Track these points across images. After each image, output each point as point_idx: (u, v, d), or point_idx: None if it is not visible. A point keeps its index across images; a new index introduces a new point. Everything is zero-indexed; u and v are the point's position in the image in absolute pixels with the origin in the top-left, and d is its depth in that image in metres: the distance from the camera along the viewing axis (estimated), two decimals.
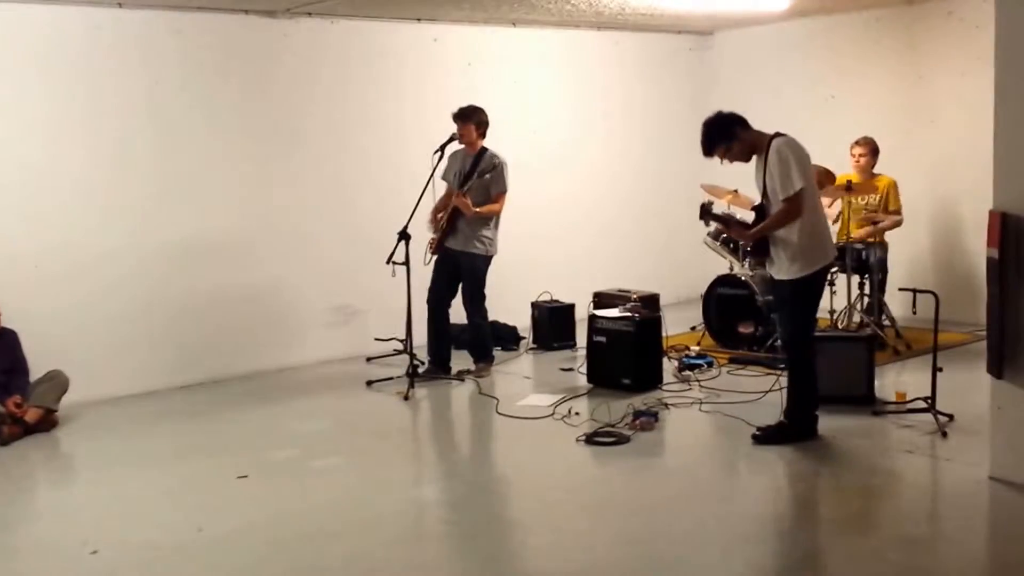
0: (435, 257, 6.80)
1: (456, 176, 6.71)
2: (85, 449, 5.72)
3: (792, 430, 5.19)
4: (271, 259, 7.31)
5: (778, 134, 5.13)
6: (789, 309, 5.30)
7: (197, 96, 6.93)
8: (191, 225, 6.96)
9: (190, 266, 6.96)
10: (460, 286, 6.82)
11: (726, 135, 5.16)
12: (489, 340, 7.09)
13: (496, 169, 6.57)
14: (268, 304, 7.32)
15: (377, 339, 7.42)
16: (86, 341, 6.53)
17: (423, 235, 6.77)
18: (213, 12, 6.87)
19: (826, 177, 6.98)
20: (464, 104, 6.70)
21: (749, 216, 5.45)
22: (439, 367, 6.85)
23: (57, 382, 6.02)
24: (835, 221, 7.08)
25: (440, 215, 6.75)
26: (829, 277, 7.03)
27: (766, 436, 5.19)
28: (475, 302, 6.80)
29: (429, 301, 6.83)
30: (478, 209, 6.54)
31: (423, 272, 6.75)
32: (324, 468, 5.14)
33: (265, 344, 7.30)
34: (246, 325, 7.22)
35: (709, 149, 5.22)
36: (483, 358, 6.99)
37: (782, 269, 5.15)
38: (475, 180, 6.56)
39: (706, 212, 5.76)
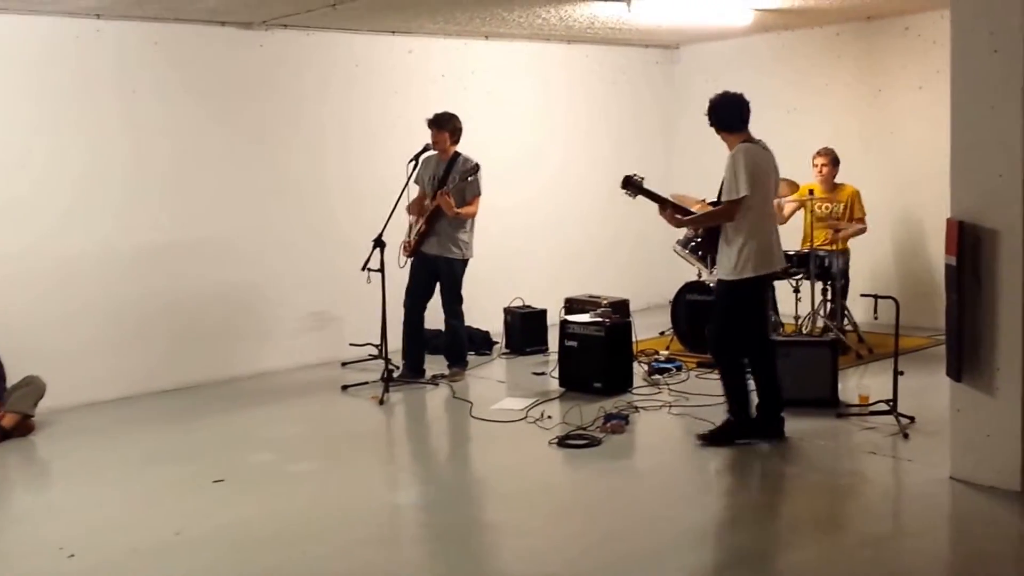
0: (411, 261, 6.79)
1: (431, 180, 6.70)
2: (62, 454, 5.64)
3: (737, 428, 5.24)
4: (247, 266, 7.26)
5: (750, 140, 5.18)
6: (720, 309, 5.37)
7: (174, 105, 6.89)
8: (167, 232, 6.90)
9: (166, 273, 6.90)
10: (437, 290, 6.80)
11: (718, 119, 5.24)
12: (465, 344, 7.09)
13: (475, 177, 6.58)
14: (244, 310, 7.27)
15: (352, 344, 7.39)
16: (63, 346, 6.45)
17: (398, 242, 6.75)
18: (190, 23, 6.84)
19: (788, 188, 7.07)
20: (439, 112, 6.70)
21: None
22: (413, 372, 6.83)
23: (34, 387, 5.95)
24: (783, 222, 7.22)
25: (418, 220, 6.72)
26: (794, 284, 7.15)
27: (711, 437, 5.25)
28: (453, 306, 6.80)
29: (405, 304, 6.81)
30: (458, 210, 6.53)
31: (398, 279, 6.74)
32: (300, 472, 5.11)
33: (241, 349, 7.25)
34: (222, 331, 7.16)
35: (709, 118, 5.29)
36: (458, 362, 6.98)
37: (721, 269, 5.25)
38: (456, 183, 6.55)
39: (630, 183, 5.52)
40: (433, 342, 7.11)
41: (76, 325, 6.55)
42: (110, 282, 6.68)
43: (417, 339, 6.86)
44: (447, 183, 6.59)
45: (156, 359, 6.87)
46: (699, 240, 5.38)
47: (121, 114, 6.68)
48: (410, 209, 6.75)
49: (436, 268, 6.74)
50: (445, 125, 6.62)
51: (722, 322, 5.31)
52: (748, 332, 5.31)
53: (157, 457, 5.43)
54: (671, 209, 5.41)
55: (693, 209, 6.44)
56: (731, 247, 5.15)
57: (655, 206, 5.44)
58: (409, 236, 6.78)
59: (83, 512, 4.65)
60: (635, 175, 5.53)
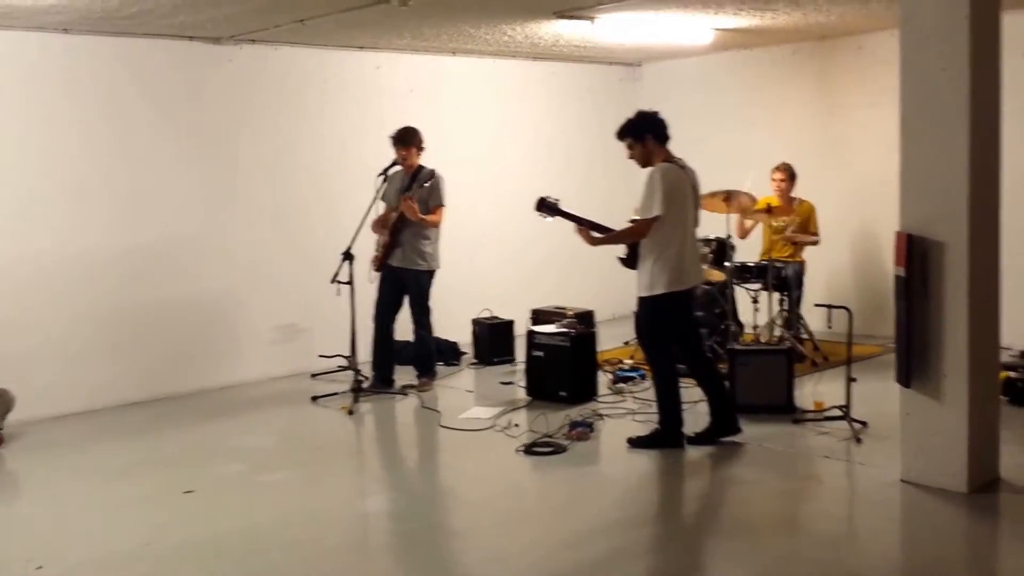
0: (379, 275, 6.80)
1: (396, 194, 6.73)
2: (31, 466, 5.58)
3: (663, 437, 5.33)
4: (217, 279, 7.24)
5: (671, 160, 5.24)
6: (642, 325, 5.45)
7: (144, 118, 6.86)
8: (136, 246, 6.87)
9: (135, 286, 6.86)
10: (406, 302, 6.82)
11: (637, 133, 5.29)
12: (433, 355, 7.11)
13: (434, 180, 6.60)
14: (214, 323, 7.24)
15: (322, 356, 7.38)
16: (32, 360, 6.39)
17: (367, 255, 6.77)
18: (159, 38, 6.82)
19: (747, 200, 7.19)
20: (401, 128, 6.70)
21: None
22: (383, 382, 6.84)
23: (2, 401, 5.89)
24: (744, 236, 7.40)
25: (382, 232, 6.73)
26: (753, 295, 7.26)
27: (639, 441, 5.36)
28: (421, 317, 6.82)
29: (375, 318, 6.81)
30: (423, 216, 6.54)
31: (367, 291, 6.75)
32: (270, 482, 5.10)
33: (211, 362, 7.22)
34: (192, 344, 7.13)
35: (621, 134, 5.34)
36: (426, 373, 7.00)
37: (639, 286, 5.32)
38: (415, 189, 6.56)
39: (544, 205, 5.59)
40: (402, 353, 7.12)
41: (45, 338, 6.49)
42: (78, 295, 6.62)
43: (386, 350, 6.87)
44: (430, 199, 6.61)
45: (125, 372, 6.82)
46: (624, 257, 5.46)
47: (89, 128, 6.64)
48: (374, 227, 6.74)
49: (403, 280, 6.76)
50: (410, 140, 6.65)
51: (646, 339, 5.40)
52: (682, 345, 5.40)
53: (126, 469, 5.39)
54: (586, 227, 5.46)
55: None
56: (644, 264, 5.23)
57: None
58: (377, 251, 6.79)
59: (52, 524, 4.61)
60: (548, 197, 5.61)
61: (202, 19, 6.23)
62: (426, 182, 6.57)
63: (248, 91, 7.34)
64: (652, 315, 5.30)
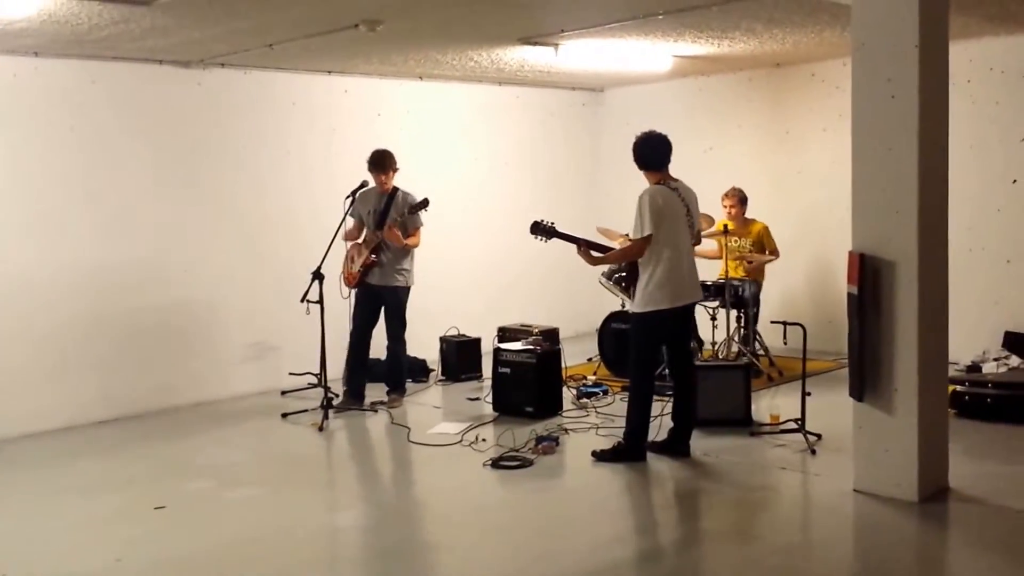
0: (355, 292, 6.79)
1: (370, 214, 6.73)
2: (2, 483, 5.47)
3: (626, 451, 5.38)
4: (187, 298, 7.18)
5: (666, 180, 5.34)
6: (631, 340, 5.51)
7: (112, 142, 6.82)
8: (106, 265, 6.80)
9: (104, 304, 6.78)
10: (384, 319, 6.83)
11: (637, 158, 5.39)
12: (405, 371, 7.14)
13: (415, 206, 6.64)
14: (185, 341, 7.18)
15: (292, 373, 7.34)
16: (3, 379, 6.29)
17: (336, 274, 6.75)
18: (128, 61, 6.79)
19: (706, 222, 7.28)
20: (375, 151, 6.70)
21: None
22: (354, 398, 6.82)
23: None
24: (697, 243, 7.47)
25: (361, 252, 6.71)
26: (711, 312, 7.34)
27: (603, 454, 5.41)
28: (398, 331, 6.85)
29: (352, 333, 6.82)
30: (406, 240, 6.61)
31: (336, 309, 6.73)
32: (240, 498, 5.06)
33: (180, 379, 7.14)
34: (163, 362, 7.06)
35: (634, 154, 5.43)
36: (397, 389, 7.00)
37: (633, 302, 5.40)
38: (405, 216, 6.59)
39: (539, 228, 5.68)
40: (373, 369, 7.10)
41: (13, 355, 6.39)
42: (47, 312, 6.54)
43: (361, 367, 6.86)
44: (389, 216, 6.63)
45: (94, 389, 6.73)
46: (623, 274, 5.55)
47: (59, 151, 6.58)
48: (347, 236, 6.78)
49: (381, 297, 6.77)
50: (390, 166, 6.67)
51: (633, 353, 5.45)
52: (671, 359, 5.49)
53: (96, 486, 5.32)
54: (586, 247, 5.55)
55: (615, 243, 6.62)
56: (639, 281, 5.31)
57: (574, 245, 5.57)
58: (349, 267, 6.78)
59: (22, 540, 4.53)
60: (543, 220, 5.69)
61: (171, 43, 6.21)
62: (421, 210, 6.60)
63: (217, 114, 7.31)
64: (643, 330, 5.35)
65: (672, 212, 5.26)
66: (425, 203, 6.62)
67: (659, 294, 5.24)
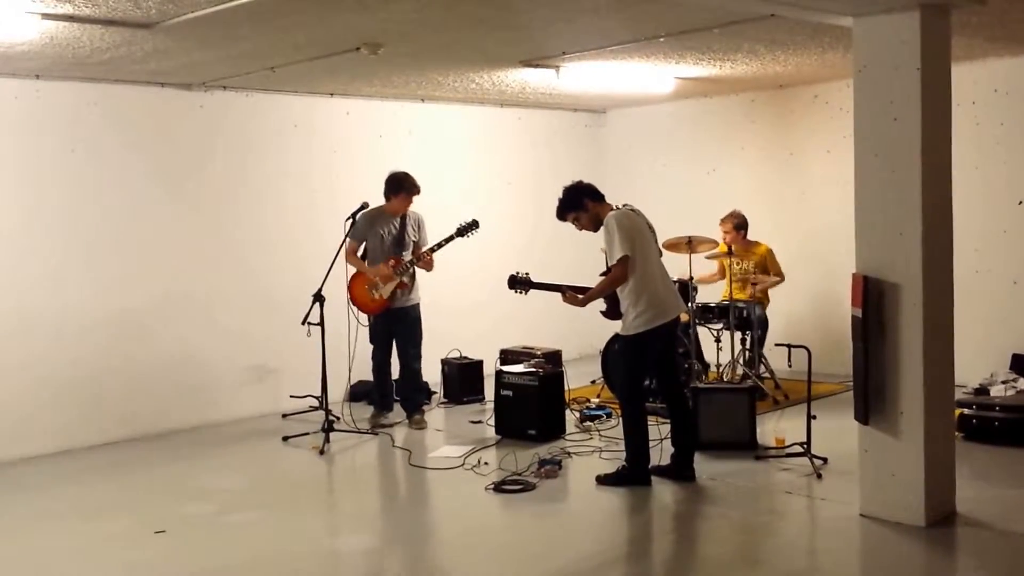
0: (373, 316, 6.87)
1: (389, 236, 6.76)
2: (1, 508, 5.47)
3: (630, 475, 5.37)
4: (187, 320, 7.20)
5: (619, 208, 5.38)
6: (620, 362, 5.53)
7: (114, 164, 6.86)
8: (107, 287, 6.82)
9: (106, 327, 6.80)
10: (396, 339, 6.93)
11: (576, 204, 5.43)
12: (422, 391, 7.22)
13: (465, 228, 6.78)
14: (184, 364, 7.18)
15: (293, 396, 7.35)
16: (1, 401, 6.29)
17: (336, 297, 6.74)
18: (130, 84, 6.84)
19: (709, 244, 7.33)
20: (400, 173, 6.73)
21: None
22: (384, 407, 7.04)
23: None
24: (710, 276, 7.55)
25: (387, 278, 6.71)
26: (715, 334, 7.35)
27: (606, 479, 5.41)
28: (417, 348, 6.96)
29: (375, 356, 6.97)
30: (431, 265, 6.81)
31: (338, 332, 6.72)
32: (241, 522, 5.05)
33: (181, 402, 7.15)
34: (163, 385, 7.06)
35: (561, 214, 5.50)
36: (417, 409, 7.07)
37: (621, 325, 5.41)
38: (451, 237, 6.71)
39: (516, 282, 5.78)
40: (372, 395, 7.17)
41: (13, 379, 6.40)
42: (48, 336, 6.56)
43: (388, 379, 7.06)
44: (407, 239, 6.75)
45: (96, 413, 6.74)
46: (605, 311, 5.56)
47: (60, 174, 6.63)
48: (348, 258, 6.73)
49: (398, 318, 6.83)
50: (413, 188, 6.72)
51: (623, 376, 5.46)
52: (659, 380, 5.50)
53: (98, 509, 5.32)
54: (570, 292, 5.58)
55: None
56: (624, 304, 5.33)
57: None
58: (372, 295, 6.73)
59: (22, 565, 4.53)
60: (519, 273, 5.76)
61: (173, 65, 6.27)
62: (470, 232, 6.74)
63: (218, 136, 7.36)
64: (630, 353, 5.36)
65: (639, 230, 5.33)
66: (474, 224, 6.75)
67: (649, 313, 5.25)
